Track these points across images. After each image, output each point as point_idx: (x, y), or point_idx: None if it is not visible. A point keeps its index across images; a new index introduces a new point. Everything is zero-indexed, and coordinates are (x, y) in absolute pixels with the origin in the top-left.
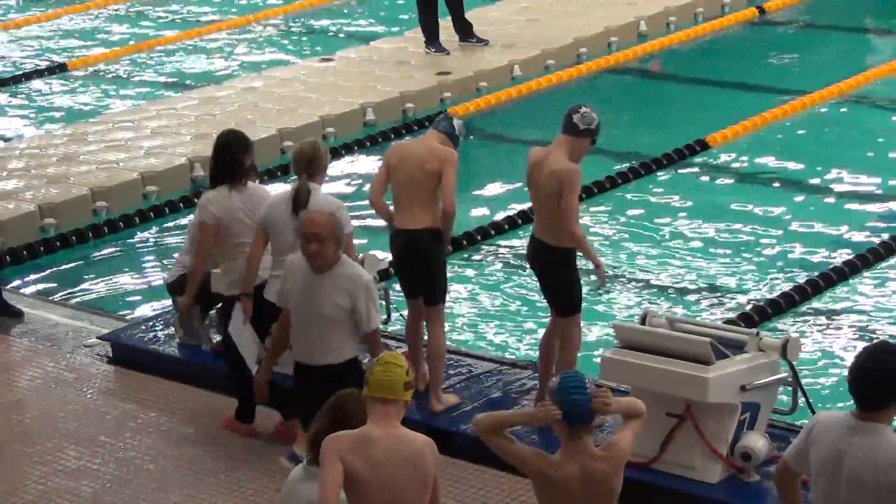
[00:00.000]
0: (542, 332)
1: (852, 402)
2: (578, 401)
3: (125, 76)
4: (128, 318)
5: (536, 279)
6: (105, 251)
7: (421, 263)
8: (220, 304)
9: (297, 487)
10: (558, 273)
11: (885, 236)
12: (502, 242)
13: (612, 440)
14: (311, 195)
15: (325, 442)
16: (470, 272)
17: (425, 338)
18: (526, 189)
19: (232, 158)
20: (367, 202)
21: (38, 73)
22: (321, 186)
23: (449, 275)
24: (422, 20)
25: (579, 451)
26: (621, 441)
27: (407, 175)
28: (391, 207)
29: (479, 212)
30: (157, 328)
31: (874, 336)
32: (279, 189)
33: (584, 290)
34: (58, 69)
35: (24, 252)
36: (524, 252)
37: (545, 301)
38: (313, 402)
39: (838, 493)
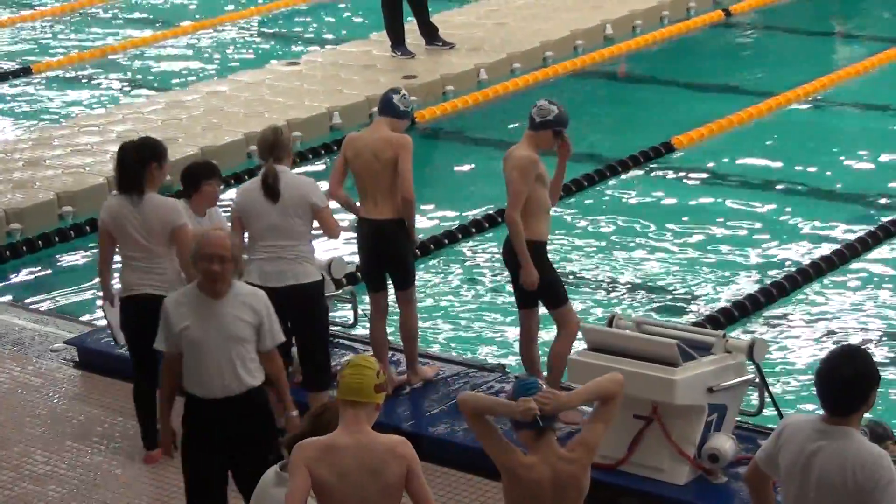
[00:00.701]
0: (509, 333)
1: (818, 402)
2: None
3: (90, 80)
4: (94, 322)
5: (512, 278)
6: (71, 256)
7: (386, 252)
8: None
9: (269, 492)
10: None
11: (850, 238)
12: (470, 244)
13: (580, 438)
14: (283, 176)
15: (294, 450)
16: (437, 276)
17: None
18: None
19: (131, 168)
20: (335, 205)
21: (2, 77)
22: (290, 168)
23: (417, 281)
24: (387, 24)
25: (548, 453)
26: (589, 438)
27: (364, 166)
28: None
29: (446, 214)
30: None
31: (839, 337)
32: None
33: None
34: (22, 73)
35: None
36: (491, 254)
37: (517, 303)
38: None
39: (808, 494)
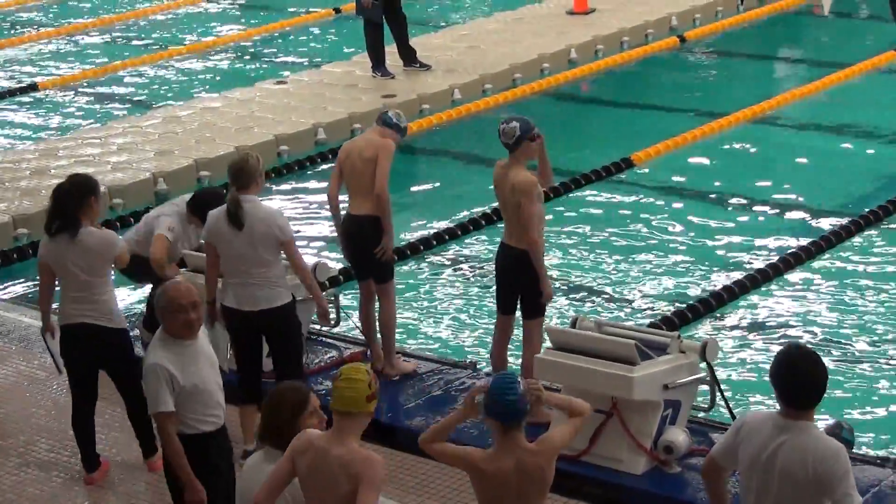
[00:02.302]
0: (478, 332)
1: (769, 398)
2: (510, 401)
3: (93, 96)
4: None
5: (503, 285)
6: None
7: (363, 246)
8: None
9: (260, 468)
10: (527, 276)
11: (793, 248)
12: (443, 251)
13: (547, 435)
14: (248, 206)
15: (294, 439)
16: (412, 280)
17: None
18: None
19: (68, 207)
20: (321, 213)
21: (10, 94)
22: (258, 196)
23: (396, 283)
24: (369, 46)
25: (513, 446)
26: (555, 435)
27: (351, 166)
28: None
29: (422, 222)
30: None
31: (784, 338)
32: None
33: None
34: (29, 89)
35: None
36: (463, 260)
37: (499, 307)
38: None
39: (770, 486)
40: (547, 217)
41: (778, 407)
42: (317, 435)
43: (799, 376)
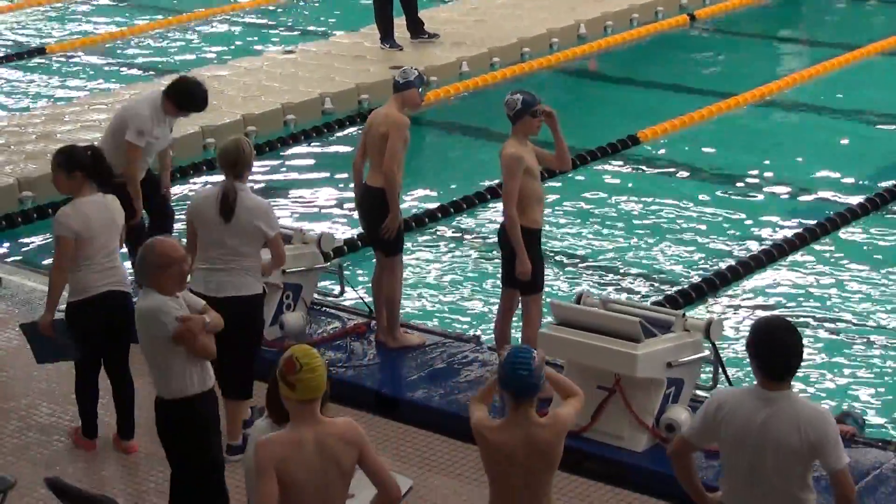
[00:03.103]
0: (483, 306)
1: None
2: (523, 376)
3: (101, 62)
4: None
5: (502, 259)
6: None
7: (369, 216)
8: None
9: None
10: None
11: (800, 228)
12: (450, 225)
13: (556, 411)
14: (240, 197)
15: (258, 449)
16: (419, 253)
17: None
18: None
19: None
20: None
21: (18, 56)
22: (246, 184)
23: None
24: (378, 18)
25: (523, 420)
26: (563, 412)
27: (370, 138)
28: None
29: (429, 195)
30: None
31: (790, 318)
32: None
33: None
34: (37, 52)
35: (3, 222)
36: (469, 234)
37: (503, 281)
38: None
39: (765, 460)
40: (553, 194)
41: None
42: (287, 435)
43: (780, 348)
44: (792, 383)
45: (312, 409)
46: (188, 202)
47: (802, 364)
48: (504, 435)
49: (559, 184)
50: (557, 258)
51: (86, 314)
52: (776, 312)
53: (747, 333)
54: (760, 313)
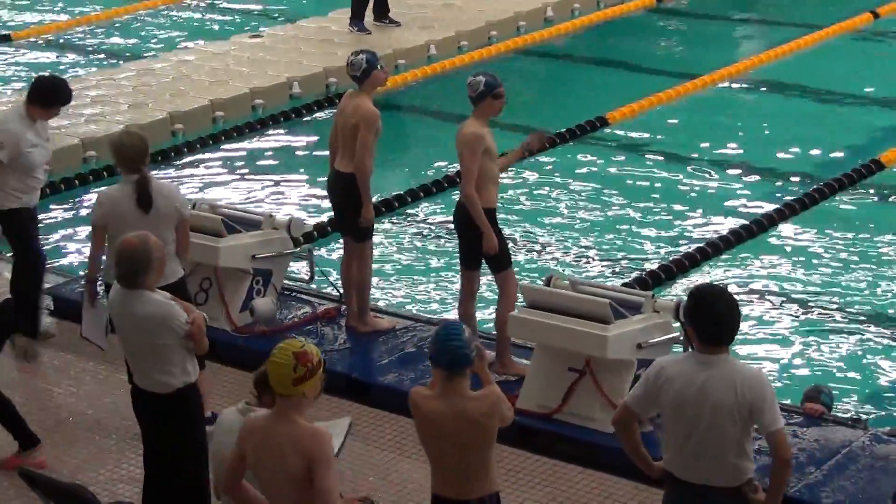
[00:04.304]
0: (452, 289)
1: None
2: (454, 346)
3: (67, 48)
4: (68, 273)
5: (459, 240)
6: (47, 212)
7: (338, 201)
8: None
9: (235, 428)
10: (473, 230)
11: (768, 208)
12: (418, 208)
13: (490, 387)
14: (153, 184)
15: (242, 425)
16: (388, 237)
17: None
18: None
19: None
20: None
21: None
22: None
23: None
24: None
25: (454, 393)
26: (498, 390)
27: (339, 125)
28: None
29: (397, 179)
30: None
31: (755, 299)
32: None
33: None
34: (3, 39)
35: None
36: (439, 217)
37: (461, 264)
38: None
39: (702, 421)
40: (521, 176)
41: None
42: (263, 415)
43: (715, 314)
44: (738, 352)
45: (283, 404)
46: (92, 209)
47: (773, 343)
48: (434, 404)
49: (528, 166)
50: (527, 241)
51: None
52: (745, 292)
53: (685, 300)
54: None
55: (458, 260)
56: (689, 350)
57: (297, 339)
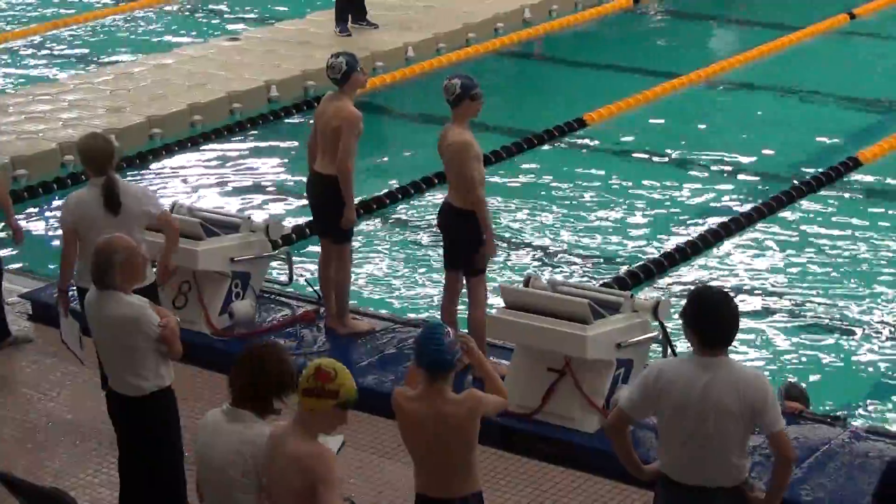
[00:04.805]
0: (431, 291)
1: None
2: (434, 350)
3: (44, 51)
4: (47, 278)
5: (445, 242)
6: (25, 217)
7: (321, 204)
8: None
9: (221, 428)
10: (465, 234)
11: (745, 207)
12: (396, 210)
13: (472, 389)
14: (121, 186)
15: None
16: (366, 239)
17: None
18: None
19: None
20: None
21: None
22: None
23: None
24: (337, 2)
25: (436, 395)
26: (480, 393)
27: (320, 128)
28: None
29: (376, 181)
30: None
31: (735, 296)
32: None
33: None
34: None
35: None
36: (416, 218)
37: (445, 265)
38: None
39: (706, 424)
40: (500, 177)
41: (691, 350)
42: (281, 426)
43: (719, 318)
44: (732, 357)
45: (306, 419)
46: (59, 214)
47: (751, 340)
48: (415, 404)
49: (507, 166)
50: (506, 241)
51: None
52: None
53: (684, 303)
54: None
55: (437, 261)
56: (682, 352)
57: (338, 363)
